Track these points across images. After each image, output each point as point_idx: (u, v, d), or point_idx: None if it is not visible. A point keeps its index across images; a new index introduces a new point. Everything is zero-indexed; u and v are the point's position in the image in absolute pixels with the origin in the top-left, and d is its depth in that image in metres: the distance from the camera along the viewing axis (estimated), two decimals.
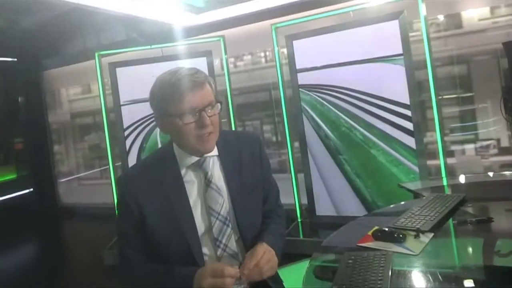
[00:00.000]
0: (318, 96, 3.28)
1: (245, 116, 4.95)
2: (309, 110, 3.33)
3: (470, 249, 1.28)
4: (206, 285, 1.07)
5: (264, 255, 1.16)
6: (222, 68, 3.67)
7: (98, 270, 3.53)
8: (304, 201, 3.42)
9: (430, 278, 1.03)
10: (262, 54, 4.81)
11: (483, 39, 3.64)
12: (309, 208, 3.37)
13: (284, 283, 1.34)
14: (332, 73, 3.20)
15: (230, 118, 3.62)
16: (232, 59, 4.73)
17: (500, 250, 1.22)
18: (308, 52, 3.28)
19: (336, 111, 3.20)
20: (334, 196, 3.26)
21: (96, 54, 3.71)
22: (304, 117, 3.35)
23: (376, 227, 1.28)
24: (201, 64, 3.45)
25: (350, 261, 1.09)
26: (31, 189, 5.93)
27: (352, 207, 3.14)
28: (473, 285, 1.01)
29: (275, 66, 3.48)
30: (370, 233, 1.27)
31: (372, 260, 1.08)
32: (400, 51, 2.95)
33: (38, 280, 3.58)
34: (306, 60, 3.29)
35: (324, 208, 3.29)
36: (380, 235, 1.23)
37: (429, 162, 3.03)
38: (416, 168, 2.93)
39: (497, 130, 3.68)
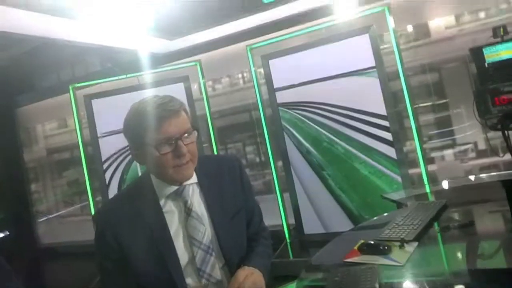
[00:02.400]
0: (298, 113, 3.30)
1: (227, 138, 4.94)
2: (290, 128, 3.34)
3: (454, 255, 1.27)
4: None
5: (247, 278, 1.13)
6: (201, 93, 3.68)
7: None
8: (292, 220, 3.38)
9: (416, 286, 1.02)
10: (240, 76, 4.85)
11: (451, 47, 3.76)
12: (297, 227, 3.34)
13: None
14: (309, 89, 3.24)
15: (212, 142, 3.60)
16: (210, 83, 4.75)
17: (483, 253, 1.22)
18: (284, 70, 3.32)
19: (316, 127, 3.23)
20: (321, 213, 3.24)
21: (70, 87, 3.67)
22: (285, 135, 3.35)
23: (361, 241, 1.27)
24: (178, 89, 3.45)
25: (337, 278, 1.07)
26: (7, 233, 5.70)
27: (339, 222, 3.12)
28: None
29: (253, 87, 3.50)
30: (356, 247, 1.26)
31: (359, 275, 1.06)
32: (373, 64, 3.01)
33: None
34: (283, 78, 3.33)
35: (311, 226, 3.26)
36: (366, 249, 1.22)
37: (411, 171, 3.06)
38: (398, 178, 2.95)
39: (473, 134, 3.77)
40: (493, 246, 1.25)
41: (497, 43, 2.82)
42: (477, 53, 2.88)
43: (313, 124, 3.24)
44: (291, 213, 3.35)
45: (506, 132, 2.84)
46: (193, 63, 3.67)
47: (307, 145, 3.27)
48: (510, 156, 2.88)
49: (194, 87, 3.84)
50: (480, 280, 1.05)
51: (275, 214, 3.32)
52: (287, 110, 3.34)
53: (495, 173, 2.05)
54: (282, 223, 3.41)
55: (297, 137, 3.31)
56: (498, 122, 2.80)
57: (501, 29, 2.90)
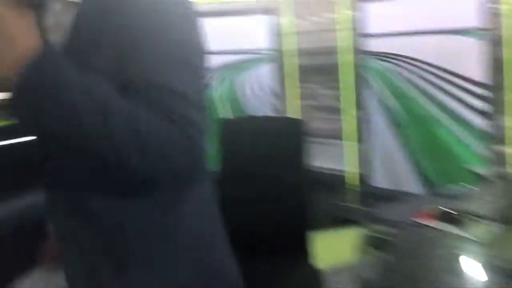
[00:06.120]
0: (386, 65, 3.11)
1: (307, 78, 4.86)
2: (375, 78, 3.18)
3: None
4: None
5: None
6: (285, 28, 3.58)
7: None
8: (358, 170, 3.33)
9: (490, 269, 0.97)
10: (329, 16, 4.62)
11: None
12: (364, 177, 3.28)
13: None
14: (403, 41, 3.00)
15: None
16: (297, 19, 4.59)
17: None
18: (379, 17, 3.09)
19: (404, 82, 3.04)
20: (391, 168, 3.12)
21: None
22: (369, 84, 3.20)
23: (438, 207, 1.22)
24: (263, 22, 3.39)
25: (409, 236, 1.05)
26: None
27: (409, 183, 2.98)
28: None
29: (342, 29, 3.32)
30: (429, 211, 1.21)
31: (434, 240, 1.03)
32: (483, 24, 2.67)
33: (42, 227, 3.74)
34: (376, 25, 3.11)
35: (379, 179, 3.17)
36: (442, 216, 1.17)
37: (499, 148, 2.81)
38: (484, 152, 2.73)
39: None
40: None
41: None
42: None
43: (400, 78, 3.05)
44: (359, 162, 3.29)
45: None
46: None
47: (390, 98, 3.11)
48: None
49: (280, 21, 3.75)
50: None
51: (341, 160, 3.32)
52: (376, 59, 3.16)
53: None
54: (348, 170, 3.36)
55: (381, 88, 3.15)
56: None
57: None
